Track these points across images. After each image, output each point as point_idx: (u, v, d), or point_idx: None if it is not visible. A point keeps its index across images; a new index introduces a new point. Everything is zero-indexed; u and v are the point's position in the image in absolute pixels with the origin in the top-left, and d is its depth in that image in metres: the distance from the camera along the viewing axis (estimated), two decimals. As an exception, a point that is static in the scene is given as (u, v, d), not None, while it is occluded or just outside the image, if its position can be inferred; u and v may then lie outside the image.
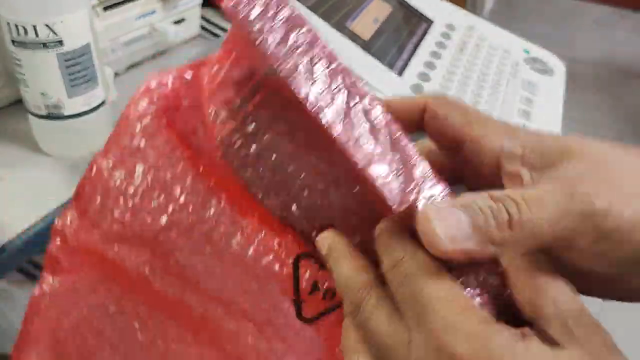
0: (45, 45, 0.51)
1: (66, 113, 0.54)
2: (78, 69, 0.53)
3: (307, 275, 0.30)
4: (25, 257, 0.49)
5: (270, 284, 0.31)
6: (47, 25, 0.50)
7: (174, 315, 0.35)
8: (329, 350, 0.31)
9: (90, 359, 0.38)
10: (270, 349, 0.32)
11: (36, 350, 0.39)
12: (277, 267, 0.30)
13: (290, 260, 0.30)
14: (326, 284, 0.30)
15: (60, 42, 0.51)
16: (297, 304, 0.30)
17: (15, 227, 0.49)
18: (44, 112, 0.54)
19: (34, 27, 0.50)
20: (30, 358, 0.39)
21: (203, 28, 0.81)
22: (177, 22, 0.76)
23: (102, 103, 0.57)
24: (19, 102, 0.61)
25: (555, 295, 0.24)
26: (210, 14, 0.84)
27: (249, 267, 0.31)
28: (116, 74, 0.69)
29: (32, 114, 0.55)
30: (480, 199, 0.24)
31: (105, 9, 0.67)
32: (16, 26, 0.50)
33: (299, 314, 0.31)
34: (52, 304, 0.37)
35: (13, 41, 0.51)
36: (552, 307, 0.23)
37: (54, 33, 0.50)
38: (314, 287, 0.30)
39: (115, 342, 0.37)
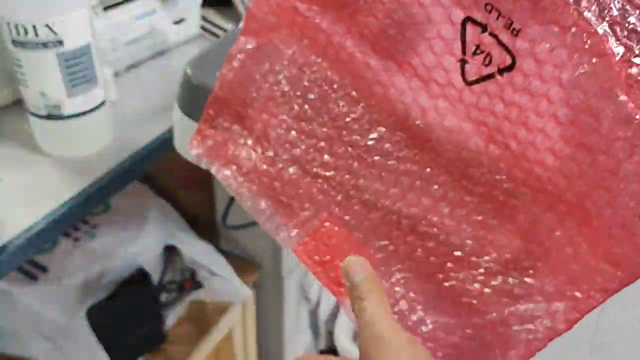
0: (45, 45, 0.51)
1: (66, 113, 0.54)
2: (78, 68, 0.53)
3: (471, 36, 0.33)
4: (26, 257, 0.49)
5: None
6: (47, 26, 0.50)
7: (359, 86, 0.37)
8: (482, 116, 0.33)
9: (277, 116, 0.41)
10: (435, 107, 0.35)
11: (227, 105, 0.43)
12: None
13: (459, 20, 0.32)
14: (485, 50, 0.32)
15: (60, 42, 0.51)
16: (462, 63, 0.33)
17: (16, 227, 0.49)
18: (44, 112, 0.54)
19: (34, 27, 0.50)
20: (221, 111, 0.43)
21: (203, 28, 0.81)
22: (177, 22, 0.76)
23: (103, 103, 0.57)
24: (19, 102, 0.61)
25: None
26: (210, 14, 0.84)
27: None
28: (116, 74, 0.69)
29: (32, 114, 0.55)
30: None
31: (105, 9, 0.67)
32: (16, 26, 0.50)
33: (462, 74, 0.33)
34: (247, 61, 0.41)
35: (13, 41, 0.51)
36: None
37: (54, 33, 0.50)
38: (476, 50, 0.33)
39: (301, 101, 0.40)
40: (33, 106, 0.54)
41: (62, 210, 0.51)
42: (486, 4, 0.32)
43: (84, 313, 0.80)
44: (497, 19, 0.32)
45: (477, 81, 0.33)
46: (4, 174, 0.54)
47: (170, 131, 0.60)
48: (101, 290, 0.83)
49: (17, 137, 0.59)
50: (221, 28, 0.81)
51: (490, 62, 0.33)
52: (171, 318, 0.95)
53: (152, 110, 0.65)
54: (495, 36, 0.32)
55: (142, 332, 0.87)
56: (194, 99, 0.47)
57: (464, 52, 0.33)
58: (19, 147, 0.58)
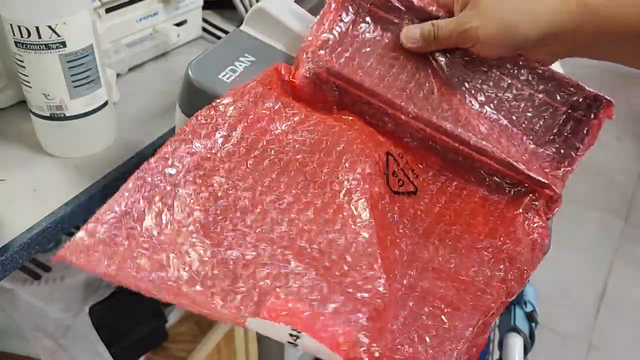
0: (48, 46, 0.51)
1: (68, 114, 0.55)
2: (80, 70, 0.54)
3: (391, 165, 0.49)
4: (29, 256, 0.50)
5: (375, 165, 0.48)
6: (49, 27, 0.50)
7: None
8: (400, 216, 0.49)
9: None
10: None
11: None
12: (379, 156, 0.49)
13: (383, 154, 0.49)
14: (399, 177, 0.49)
15: (63, 44, 0.52)
16: (387, 176, 0.49)
17: (18, 227, 0.50)
18: (46, 113, 0.55)
19: (37, 29, 0.50)
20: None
21: (204, 30, 0.82)
22: (179, 24, 0.76)
23: (105, 104, 0.57)
24: (22, 103, 0.62)
25: None
26: (211, 16, 0.85)
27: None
28: (118, 75, 0.70)
29: (35, 114, 0.56)
30: (422, 25, 0.51)
31: (108, 10, 0.67)
32: (19, 28, 0.50)
33: (387, 183, 0.49)
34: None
35: (16, 42, 0.51)
36: None
37: (57, 34, 0.51)
38: (394, 174, 0.49)
39: None
40: (36, 107, 0.55)
41: (65, 209, 0.52)
42: (399, 153, 0.50)
43: (86, 311, 0.80)
44: (406, 163, 0.51)
45: (396, 192, 0.49)
46: (8, 173, 0.55)
47: (171, 132, 0.61)
48: (103, 288, 0.83)
49: (21, 138, 0.60)
50: (222, 30, 0.82)
51: (402, 184, 0.49)
52: (173, 316, 0.96)
53: (154, 111, 0.66)
54: (403, 171, 0.50)
55: (144, 331, 0.87)
56: (195, 100, 0.48)
57: (387, 171, 0.49)
58: (22, 147, 0.59)
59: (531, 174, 0.49)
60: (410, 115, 0.50)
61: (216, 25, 0.82)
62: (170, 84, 0.70)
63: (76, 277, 0.82)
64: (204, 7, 0.80)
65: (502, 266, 0.46)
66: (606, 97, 0.53)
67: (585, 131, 0.52)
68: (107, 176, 0.56)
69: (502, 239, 0.48)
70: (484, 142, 0.49)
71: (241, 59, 0.50)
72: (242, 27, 0.54)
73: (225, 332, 1.01)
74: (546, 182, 0.49)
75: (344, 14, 0.52)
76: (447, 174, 0.51)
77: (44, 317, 0.81)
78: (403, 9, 0.52)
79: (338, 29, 0.51)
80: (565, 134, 0.52)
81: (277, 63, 0.50)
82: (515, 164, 0.49)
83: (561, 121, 0.52)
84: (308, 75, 0.49)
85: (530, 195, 0.50)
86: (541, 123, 0.52)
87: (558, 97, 0.52)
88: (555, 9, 0.48)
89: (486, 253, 0.47)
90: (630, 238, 2.02)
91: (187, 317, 0.98)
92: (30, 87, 0.54)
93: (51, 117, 0.55)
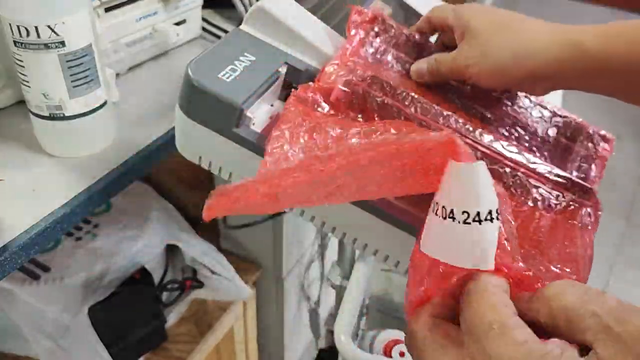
0: (47, 46, 0.51)
1: (68, 114, 0.55)
2: (80, 69, 0.53)
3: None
4: (28, 257, 0.49)
5: None
6: (48, 26, 0.50)
7: None
8: None
9: None
10: None
11: None
12: None
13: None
14: None
15: (62, 43, 0.51)
16: None
17: (17, 227, 0.49)
18: (45, 113, 0.55)
19: (36, 28, 0.50)
20: None
21: (204, 29, 0.81)
22: (178, 23, 0.76)
23: (104, 104, 0.57)
24: (21, 103, 0.62)
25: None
26: (211, 15, 0.84)
27: None
28: (117, 75, 0.69)
29: (34, 114, 0.56)
30: (428, 60, 0.54)
31: (107, 10, 0.67)
32: (18, 27, 0.50)
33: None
34: None
35: (15, 42, 0.51)
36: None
37: (56, 34, 0.51)
38: None
39: None
40: (35, 107, 0.55)
41: (64, 210, 0.52)
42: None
43: (85, 312, 0.80)
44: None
45: None
46: (6, 173, 0.55)
47: (171, 131, 0.61)
48: (103, 289, 0.83)
49: (20, 138, 0.59)
50: (222, 29, 0.82)
51: None
52: (172, 317, 0.96)
53: (154, 110, 0.66)
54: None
55: (143, 331, 0.87)
56: (195, 99, 0.47)
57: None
58: (21, 147, 0.59)
59: (576, 179, 0.49)
60: (459, 124, 0.50)
61: (216, 25, 0.82)
62: (170, 84, 0.70)
63: (76, 277, 0.82)
64: (204, 7, 0.80)
65: (568, 269, 0.45)
66: (607, 134, 0.55)
67: (593, 165, 0.54)
68: (107, 176, 0.56)
69: (560, 250, 0.47)
70: (525, 154, 0.50)
71: (241, 58, 0.50)
72: (242, 27, 0.54)
73: (225, 332, 1.01)
74: (590, 187, 0.49)
75: (368, 43, 0.55)
76: None
77: (43, 318, 0.81)
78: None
79: (365, 51, 0.54)
80: (579, 165, 0.54)
81: (294, 92, 0.47)
82: (556, 170, 0.49)
83: (573, 155, 0.54)
84: (350, 83, 0.48)
85: (579, 207, 0.49)
86: (557, 155, 0.54)
87: (566, 134, 0.55)
88: (546, 47, 0.48)
89: (550, 256, 0.46)
90: (631, 238, 2.02)
91: (186, 318, 0.98)
92: (29, 86, 0.54)
93: (50, 117, 0.55)
